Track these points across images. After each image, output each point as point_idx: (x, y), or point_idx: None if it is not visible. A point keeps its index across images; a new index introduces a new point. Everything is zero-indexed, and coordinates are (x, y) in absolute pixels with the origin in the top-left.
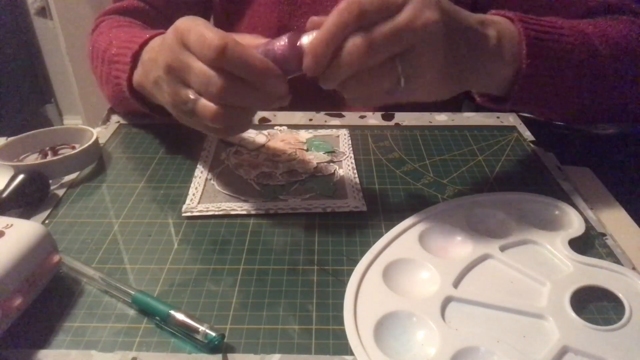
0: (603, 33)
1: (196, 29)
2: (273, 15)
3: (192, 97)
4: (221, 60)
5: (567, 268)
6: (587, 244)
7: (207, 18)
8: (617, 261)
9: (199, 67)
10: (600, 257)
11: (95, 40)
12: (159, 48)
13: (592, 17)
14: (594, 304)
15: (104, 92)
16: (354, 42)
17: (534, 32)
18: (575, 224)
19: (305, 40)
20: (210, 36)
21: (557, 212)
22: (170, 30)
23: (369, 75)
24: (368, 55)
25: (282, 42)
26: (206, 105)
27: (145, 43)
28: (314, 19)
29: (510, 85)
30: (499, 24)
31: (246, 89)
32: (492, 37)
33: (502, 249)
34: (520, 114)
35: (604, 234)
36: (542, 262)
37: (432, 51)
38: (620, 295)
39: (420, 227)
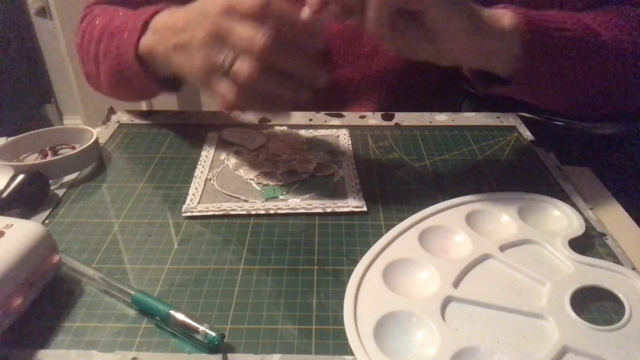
0: (604, 22)
1: None
2: None
3: (229, 58)
4: (265, 11)
5: (567, 268)
6: (587, 244)
7: None
8: (617, 261)
9: (243, 28)
10: (600, 257)
11: (89, 22)
12: (183, 20)
13: (594, 10)
14: (594, 304)
15: (96, 75)
16: None
17: (533, 19)
18: (575, 224)
19: None
20: None
21: (557, 212)
22: (210, 2)
23: None
24: None
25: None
26: (244, 63)
27: (156, 13)
28: None
29: (513, 68)
30: (498, 9)
31: (288, 47)
32: (492, 13)
33: (502, 249)
34: (520, 113)
35: (604, 234)
36: (542, 262)
37: None
38: (620, 295)
39: (420, 227)
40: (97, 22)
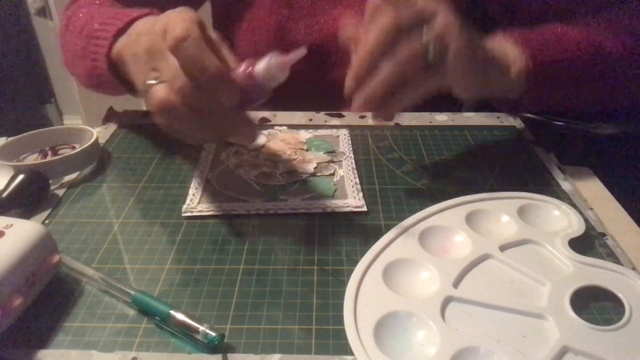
0: (613, 30)
1: (176, 18)
2: (271, 19)
3: (152, 79)
4: (175, 49)
5: (567, 268)
6: (587, 244)
7: (198, 7)
8: (617, 261)
9: (172, 59)
10: (600, 257)
11: (74, 13)
12: (146, 30)
13: (608, 8)
14: (594, 304)
15: (74, 68)
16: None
17: (540, 59)
18: (575, 224)
19: (260, 66)
20: (177, 26)
21: (557, 212)
22: (162, 17)
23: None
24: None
25: (241, 69)
26: (159, 89)
27: (132, 22)
28: (346, 25)
29: (520, 87)
30: (507, 46)
31: (201, 91)
32: (496, 45)
33: (502, 249)
34: (520, 113)
35: (604, 234)
36: (543, 262)
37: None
38: (620, 295)
39: (420, 227)
40: (80, 15)
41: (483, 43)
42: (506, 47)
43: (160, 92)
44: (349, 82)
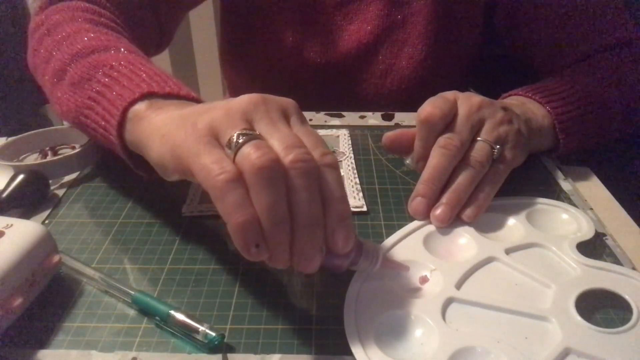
0: (615, 82)
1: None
2: (287, 35)
3: (244, 131)
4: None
5: (574, 271)
6: (587, 244)
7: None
8: (617, 261)
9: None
10: (600, 257)
11: (61, 19)
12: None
13: (609, 52)
14: (601, 307)
15: (52, 85)
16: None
17: (563, 119)
18: (584, 228)
19: (364, 265)
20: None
21: (565, 216)
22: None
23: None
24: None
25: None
26: (257, 148)
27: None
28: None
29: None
30: (536, 114)
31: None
32: (530, 113)
33: (508, 252)
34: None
35: (604, 234)
36: (549, 265)
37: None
38: (628, 299)
39: (425, 230)
40: (64, 31)
41: (524, 118)
42: (532, 106)
43: (260, 153)
44: (420, 201)
